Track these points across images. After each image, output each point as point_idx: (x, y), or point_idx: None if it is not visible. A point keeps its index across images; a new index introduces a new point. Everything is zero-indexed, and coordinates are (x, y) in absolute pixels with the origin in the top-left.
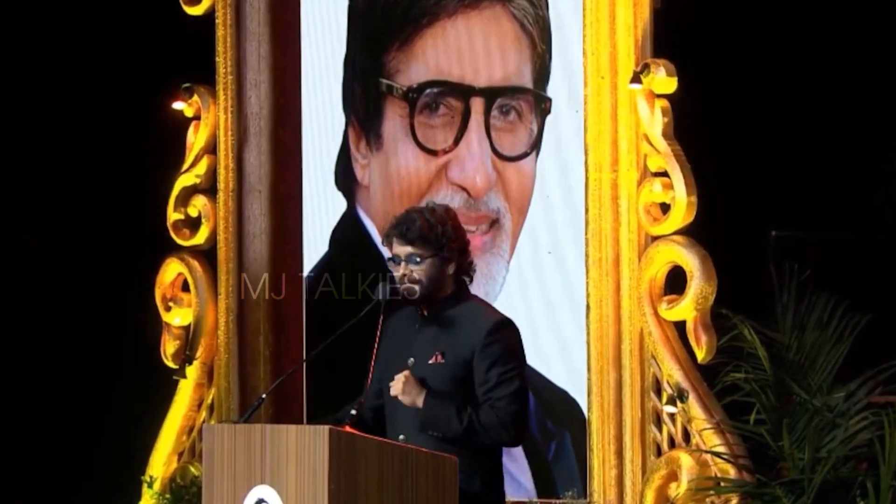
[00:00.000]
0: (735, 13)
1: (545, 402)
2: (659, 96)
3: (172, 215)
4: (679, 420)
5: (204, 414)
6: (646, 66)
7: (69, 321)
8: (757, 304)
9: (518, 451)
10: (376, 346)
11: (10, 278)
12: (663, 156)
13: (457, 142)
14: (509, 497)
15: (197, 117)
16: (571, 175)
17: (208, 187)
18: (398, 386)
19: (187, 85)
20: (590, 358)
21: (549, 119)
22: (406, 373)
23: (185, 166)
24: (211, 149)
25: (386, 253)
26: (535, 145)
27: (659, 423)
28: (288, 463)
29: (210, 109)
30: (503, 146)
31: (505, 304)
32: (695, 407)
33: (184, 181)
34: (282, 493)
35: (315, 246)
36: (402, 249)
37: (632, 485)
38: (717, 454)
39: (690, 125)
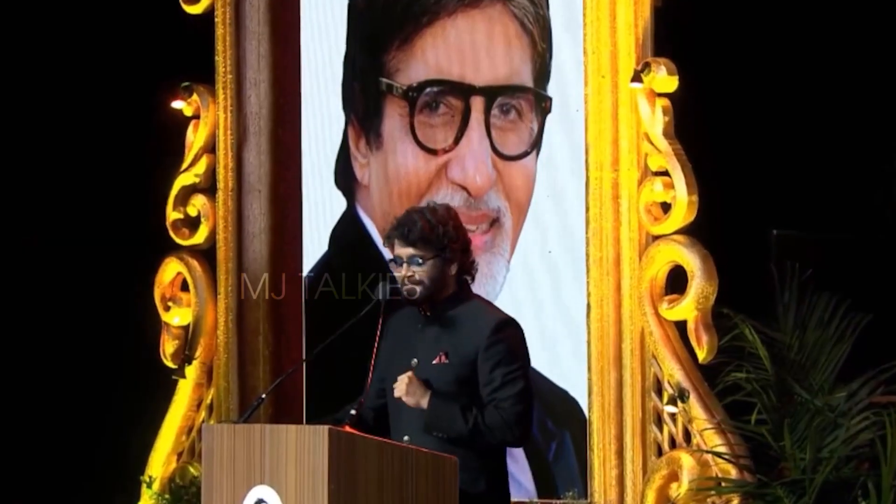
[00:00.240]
0: (736, 12)
1: (546, 402)
2: (660, 95)
3: (172, 214)
4: (680, 420)
5: (203, 414)
6: (646, 65)
7: (69, 321)
8: (758, 303)
9: (518, 452)
10: (376, 345)
11: (10, 278)
12: (664, 155)
13: (457, 141)
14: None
15: (196, 116)
16: (572, 174)
17: (208, 186)
18: (402, 387)
19: (187, 84)
20: (590, 358)
21: (549, 118)
22: (409, 374)
23: (185, 165)
24: (210, 148)
25: (386, 253)
26: (536, 144)
27: (660, 423)
28: (287, 463)
29: (209, 108)
30: (503, 145)
31: (505, 304)
32: (696, 407)
33: (183, 180)
34: (281, 494)
35: (315, 245)
36: (404, 251)
37: (632, 485)
38: (719, 454)
39: (691, 124)
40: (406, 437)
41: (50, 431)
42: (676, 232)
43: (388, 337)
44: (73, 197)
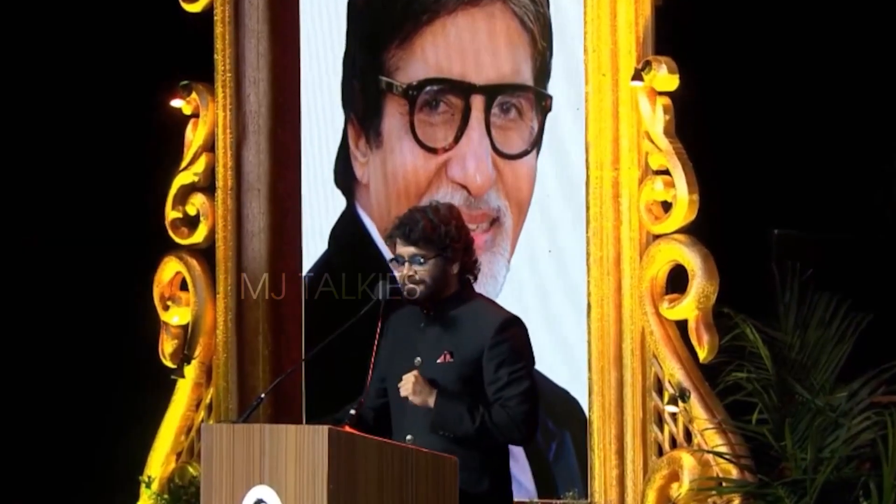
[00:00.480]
0: (737, 10)
1: (546, 401)
2: (660, 94)
3: (171, 214)
4: (681, 420)
5: (202, 414)
6: (647, 64)
7: (68, 321)
8: (759, 303)
9: (519, 451)
10: (376, 345)
11: (10, 278)
12: (665, 154)
13: (457, 140)
14: None
15: (195, 115)
16: (572, 173)
17: (207, 185)
18: (409, 386)
19: (186, 82)
20: (591, 357)
21: (549, 117)
22: (416, 372)
23: (184, 164)
24: (209, 147)
25: (386, 252)
26: (536, 143)
27: (660, 422)
28: (287, 463)
29: (209, 107)
30: (503, 144)
31: (505, 303)
32: (696, 406)
33: (182, 179)
34: (281, 494)
35: (314, 244)
36: (406, 250)
37: (633, 485)
38: (719, 454)
39: (692, 123)
40: (409, 437)
41: (50, 431)
42: (677, 231)
43: (388, 336)
44: (73, 196)
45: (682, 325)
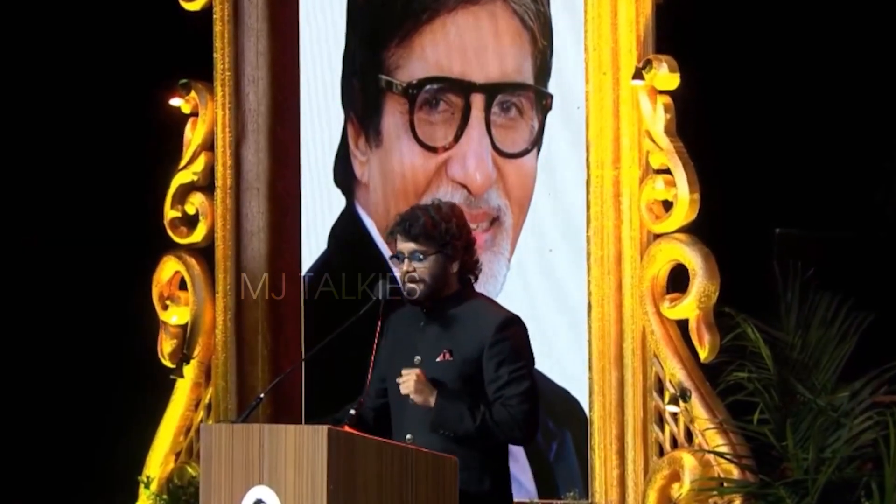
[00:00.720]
0: (738, 9)
1: (546, 401)
2: (661, 93)
3: (169, 213)
4: (682, 420)
5: (201, 413)
6: (648, 62)
7: (67, 320)
8: (760, 302)
9: (519, 452)
10: (375, 345)
11: (9, 278)
12: (665, 153)
13: (457, 138)
14: None
15: (194, 114)
16: (573, 172)
17: (206, 185)
18: (410, 384)
19: (185, 81)
20: (591, 357)
21: (550, 116)
22: (418, 371)
23: (183, 163)
24: (208, 146)
25: (386, 252)
26: (536, 142)
27: (661, 422)
28: (286, 463)
29: (208, 106)
30: (504, 143)
31: (506, 303)
32: (697, 406)
33: (181, 178)
34: (280, 494)
35: (314, 244)
36: (406, 246)
37: (634, 485)
38: (720, 454)
39: (693, 122)
40: (409, 436)
41: (49, 431)
42: (678, 230)
43: (389, 336)
44: (72, 196)
45: (683, 325)
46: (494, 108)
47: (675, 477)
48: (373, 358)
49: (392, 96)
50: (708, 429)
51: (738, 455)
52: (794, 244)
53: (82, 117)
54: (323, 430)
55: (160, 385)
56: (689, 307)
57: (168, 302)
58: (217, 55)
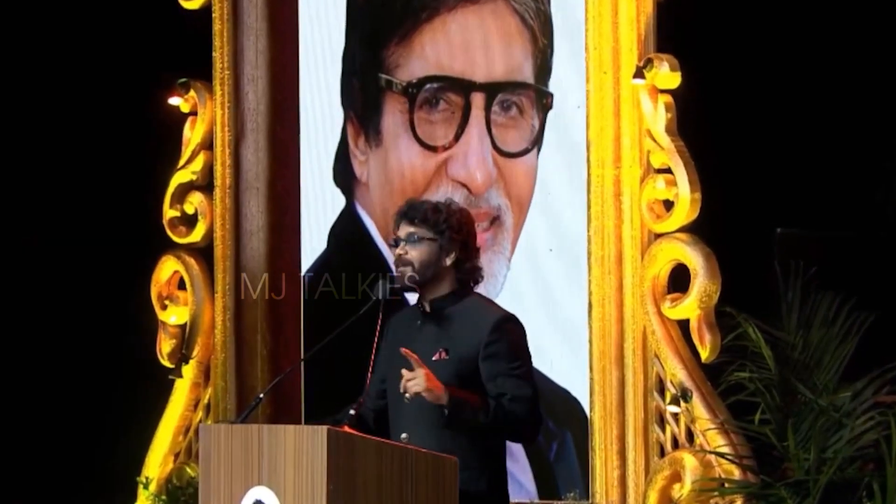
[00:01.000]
0: (739, 8)
1: (546, 401)
2: (662, 92)
3: (168, 212)
4: (682, 420)
5: (200, 414)
6: (649, 61)
7: (67, 320)
8: (761, 302)
9: (519, 452)
10: (375, 345)
11: (9, 278)
12: (666, 152)
13: (457, 138)
14: (510, 498)
15: (193, 113)
16: (573, 171)
17: (205, 184)
18: (421, 382)
19: (184, 80)
20: (592, 357)
21: (550, 115)
22: (426, 369)
23: (182, 163)
24: (207, 145)
25: (386, 252)
26: (537, 141)
27: (662, 423)
28: (286, 464)
29: (207, 105)
30: (504, 142)
31: (506, 302)
32: (698, 407)
33: (180, 178)
34: (279, 495)
35: (313, 243)
36: (405, 229)
37: (635, 486)
38: (721, 455)
39: (694, 121)
40: (404, 435)
41: (49, 431)
42: (679, 230)
43: (388, 337)
44: (71, 195)
45: (683, 325)
46: (495, 108)
47: (676, 477)
48: (373, 358)
49: (392, 95)
50: (709, 429)
51: (739, 455)
52: (796, 244)
53: (81, 116)
54: (322, 430)
55: (159, 385)
56: (690, 307)
57: (167, 302)
58: (216, 54)
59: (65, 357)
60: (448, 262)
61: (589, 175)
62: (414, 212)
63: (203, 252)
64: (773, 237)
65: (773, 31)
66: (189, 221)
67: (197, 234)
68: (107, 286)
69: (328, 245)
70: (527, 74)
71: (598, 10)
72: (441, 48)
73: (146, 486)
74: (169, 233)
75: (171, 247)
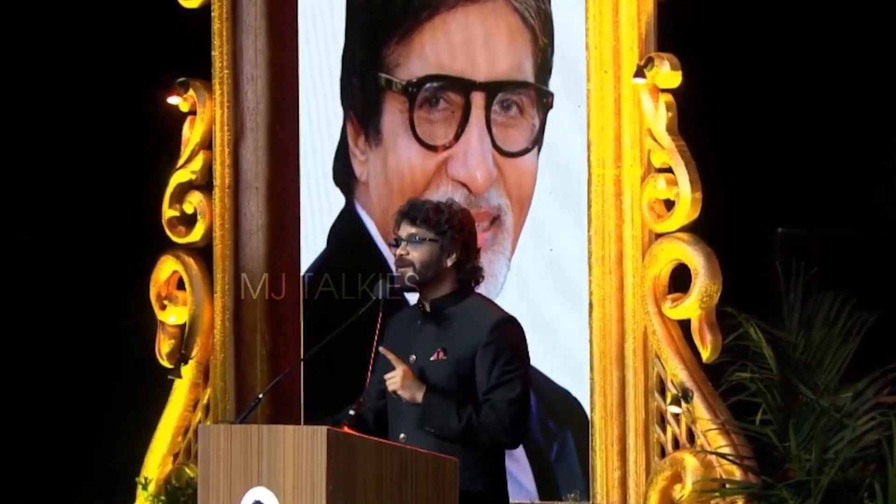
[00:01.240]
0: (739, 7)
1: (547, 402)
2: (663, 91)
3: (167, 212)
4: (683, 420)
5: (199, 414)
6: (649, 60)
7: (66, 320)
8: (762, 302)
9: (520, 452)
10: (375, 345)
11: (9, 278)
12: (667, 151)
13: (457, 137)
14: (511, 499)
15: (193, 112)
16: (574, 171)
17: (204, 184)
18: (397, 381)
19: (183, 79)
20: (592, 357)
21: (550, 114)
22: (404, 367)
23: (181, 162)
24: (207, 144)
25: (386, 251)
26: (537, 141)
27: (663, 423)
28: (285, 464)
29: (206, 104)
30: (504, 142)
31: (506, 302)
32: (699, 407)
33: (179, 177)
34: (279, 495)
35: (313, 243)
36: (406, 230)
37: (635, 486)
38: (722, 455)
39: (695, 120)
40: (402, 436)
41: (48, 431)
42: (680, 229)
43: (388, 338)
44: (70, 195)
45: (684, 325)
46: (495, 107)
47: (677, 478)
48: (372, 358)
49: (392, 95)
50: (710, 429)
51: (740, 456)
52: (796, 243)
53: (80, 116)
54: (322, 430)
55: (158, 385)
56: (690, 307)
57: (166, 302)
58: (215, 53)
59: (64, 357)
60: (449, 262)
61: (589, 174)
62: (415, 212)
63: (202, 252)
64: (774, 237)
65: (774, 31)
66: (188, 221)
67: (196, 234)
68: (106, 286)
69: (328, 245)
70: (527, 74)
71: (599, 9)
72: (441, 47)
73: (145, 487)
74: (168, 232)
75: (170, 247)
